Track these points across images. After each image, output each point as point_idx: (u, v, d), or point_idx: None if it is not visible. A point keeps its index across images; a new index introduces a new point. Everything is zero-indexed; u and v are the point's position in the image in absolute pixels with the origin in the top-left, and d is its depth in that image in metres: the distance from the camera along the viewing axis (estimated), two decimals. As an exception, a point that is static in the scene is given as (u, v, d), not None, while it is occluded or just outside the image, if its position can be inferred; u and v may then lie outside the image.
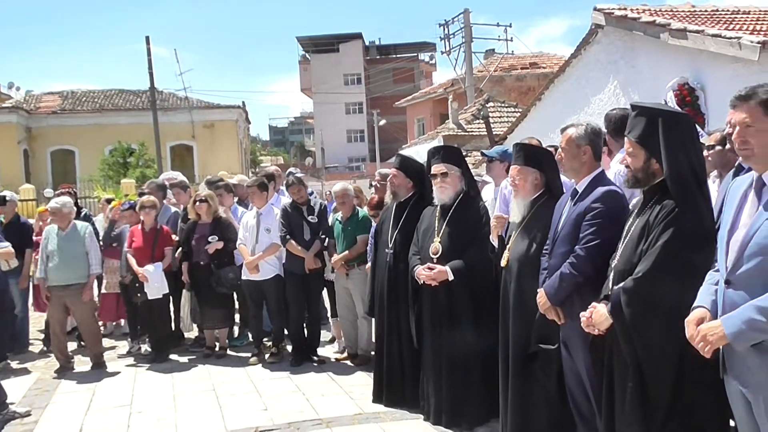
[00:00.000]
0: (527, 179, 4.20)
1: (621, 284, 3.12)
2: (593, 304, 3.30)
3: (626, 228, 3.32)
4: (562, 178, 4.61)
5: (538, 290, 3.84)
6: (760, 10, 10.89)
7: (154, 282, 7.26)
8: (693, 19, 9.56)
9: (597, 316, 3.23)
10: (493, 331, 4.50)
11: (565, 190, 4.26)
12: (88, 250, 7.12)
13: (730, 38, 7.96)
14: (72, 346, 7.75)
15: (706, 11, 10.57)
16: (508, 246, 4.31)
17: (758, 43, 7.57)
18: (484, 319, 4.69)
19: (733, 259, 2.61)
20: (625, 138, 3.31)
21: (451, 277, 4.74)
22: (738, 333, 2.49)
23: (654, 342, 2.90)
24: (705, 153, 3.93)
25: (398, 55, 62.90)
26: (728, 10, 10.71)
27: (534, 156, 4.27)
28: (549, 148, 5.44)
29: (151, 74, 26.59)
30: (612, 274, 3.28)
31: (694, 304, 2.77)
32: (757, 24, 9.20)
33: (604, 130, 4.19)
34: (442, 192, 4.96)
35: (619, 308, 3.09)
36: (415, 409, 5.26)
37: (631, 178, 3.28)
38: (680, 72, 8.79)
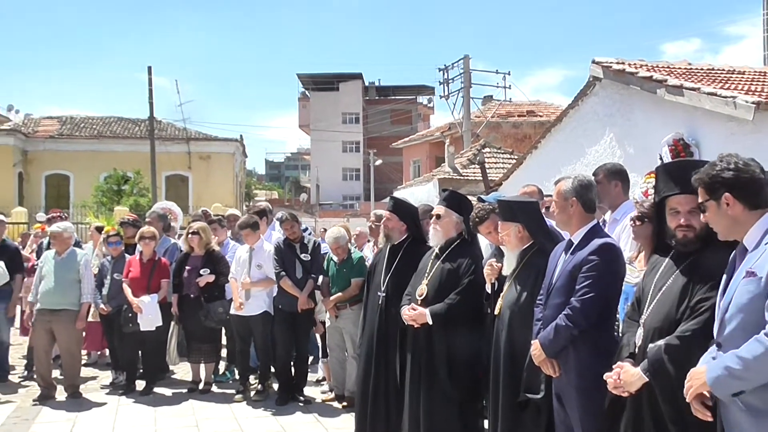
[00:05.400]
0: (510, 233, 4.27)
1: (661, 342, 2.96)
2: (619, 363, 3.14)
3: (653, 283, 3.16)
4: (557, 228, 4.62)
5: (533, 341, 3.80)
6: (755, 71, 11.07)
7: (148, 313, 7.20)
8: (689, 76, 9.69)
9: (627, 376, 3.06)
10: (471, 379, 4.48)
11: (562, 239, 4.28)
12: (81, 278, 7.09)
13: (726, 97, 8.07)
14: (55, 373, 7.63)
15: (702, 69, 10.73)
16: (501, 294, 4.32)
17: (753, 103, 7.66)
18: (460, 366, 4.64)
19: (719, 321, 2.67)
20: (691, 195, 2.98)
21: (430, 321, 4.70)
22: (716, 378, 2.54)
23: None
24: None
25: (397, 97, 63.52)
26: (724, 70, 10.87)
27: (509, 210, 4.32)
28: (546, 197, 5.45)
29: (151, 104, 26.82)
30: (642, 330, 3.11)
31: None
32: (752, 84, 9.32)
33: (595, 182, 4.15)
34: (434, 234, 4.98)
35: (661, 367, 2.92)
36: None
37: (694, 240, 3.04)
38: (675, 127, 8.87)
